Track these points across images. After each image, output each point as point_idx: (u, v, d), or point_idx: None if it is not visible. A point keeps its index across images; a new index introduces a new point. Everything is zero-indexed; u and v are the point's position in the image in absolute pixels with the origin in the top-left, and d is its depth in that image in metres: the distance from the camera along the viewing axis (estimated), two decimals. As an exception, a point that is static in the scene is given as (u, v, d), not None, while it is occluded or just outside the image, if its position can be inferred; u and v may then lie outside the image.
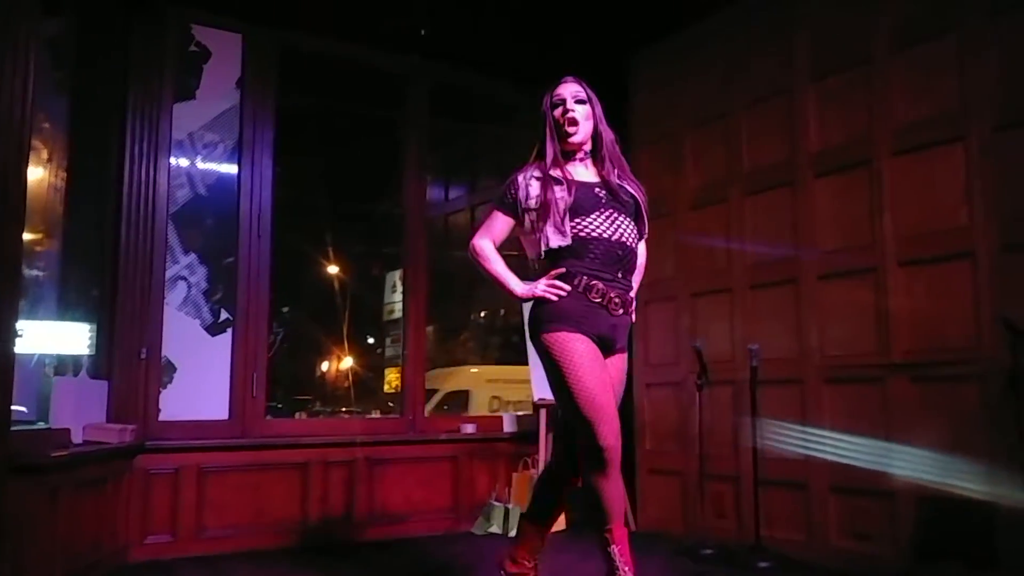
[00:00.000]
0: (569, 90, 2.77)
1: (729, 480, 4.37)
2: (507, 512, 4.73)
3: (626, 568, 2.53)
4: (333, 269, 6.60)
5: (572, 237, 2.63)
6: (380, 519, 4.59)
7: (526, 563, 2.86)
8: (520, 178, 2.75)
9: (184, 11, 4.39)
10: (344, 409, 6.16)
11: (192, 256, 4.33)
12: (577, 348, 2.58)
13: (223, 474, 4.22)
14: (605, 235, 2.64)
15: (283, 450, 4.39)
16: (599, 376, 2.57)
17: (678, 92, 4.95)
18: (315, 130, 5.99)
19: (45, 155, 3.76)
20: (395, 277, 6.68)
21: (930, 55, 3.67)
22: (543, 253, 2.68)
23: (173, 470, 4.10)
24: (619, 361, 2.76)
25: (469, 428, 4.99)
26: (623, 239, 2.68)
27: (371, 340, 7.23)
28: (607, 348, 2.68)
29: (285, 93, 4.71)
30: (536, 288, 2.66)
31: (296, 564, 3.94)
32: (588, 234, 2.64)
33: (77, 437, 3.60)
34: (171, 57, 4.35)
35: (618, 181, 2.74)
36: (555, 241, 2.64)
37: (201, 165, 4.41)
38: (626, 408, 5.01)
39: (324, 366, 6.91)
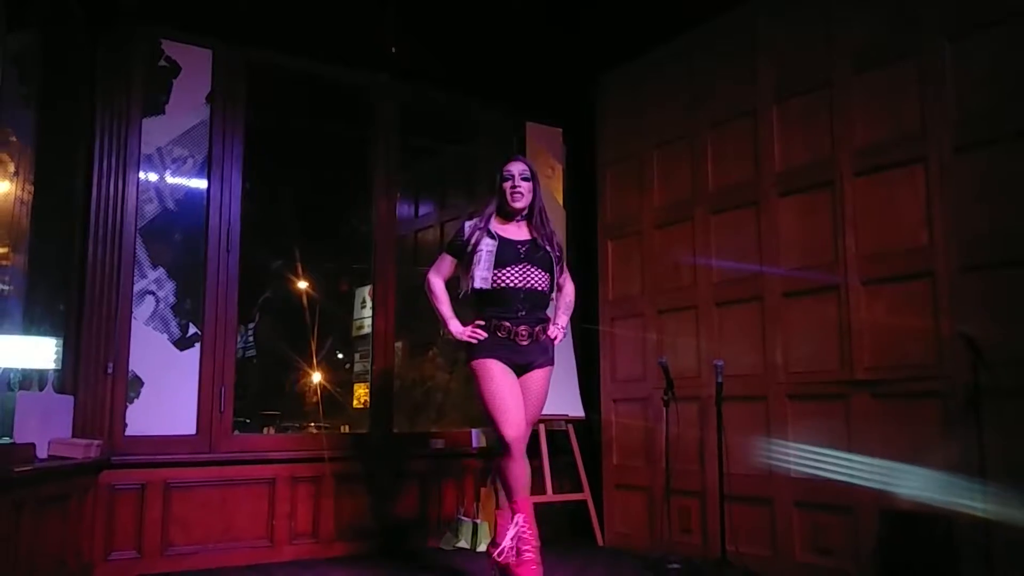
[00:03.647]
0: (517, 168, 3.54)
1: (695, 495, 4.42)
2: (475, 527, 4.74)
3: (526, 532, 3.31)
4: (302, 284, 6.56)
5: (486, 288, 3.43)
6: (348, 535, 4.58)
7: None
8: (467, 227, 3.56)
9: (153, 26, 4.38)
10: (312, 424, 6.10)
11: (160, 270, 4.30)
12: (490, 367, 3.40)
13: (190, 490, 4.18)
14: (516, 284, 3.45)
15: (250, 466, 4.36)
16: (506, 387, 3.38)
17: (644, 113, 5.03)
18: (285, 146, 5.96)
19: (12, 168, 3.72)
20: (364, 293, 6.65)
21: (890, 78, 3.77)
22: (470, 289, 3.50)
23: (139, 486, 4.06)
24: (537, 375, 3.52)
25: (437, 444, 5.00)
26: (531, 285, 3.48)
27: (340, 355, 7.18)
28: (522, 370, 3.47)
29: (255, 109, 4.70)
30: (463, 334, 3.49)
31: (263, 581, 3.92)
32: (503, 283, 3.44)
33: (42, 452, 3.55)
34: (140, 71, 4.33)
35: (541, 241, 3.54)
36: (479, 283, 3.44)
37: (170, 180, 4.39)
38: (593, 423, 5.09)
39: (293, 381, 6.86)
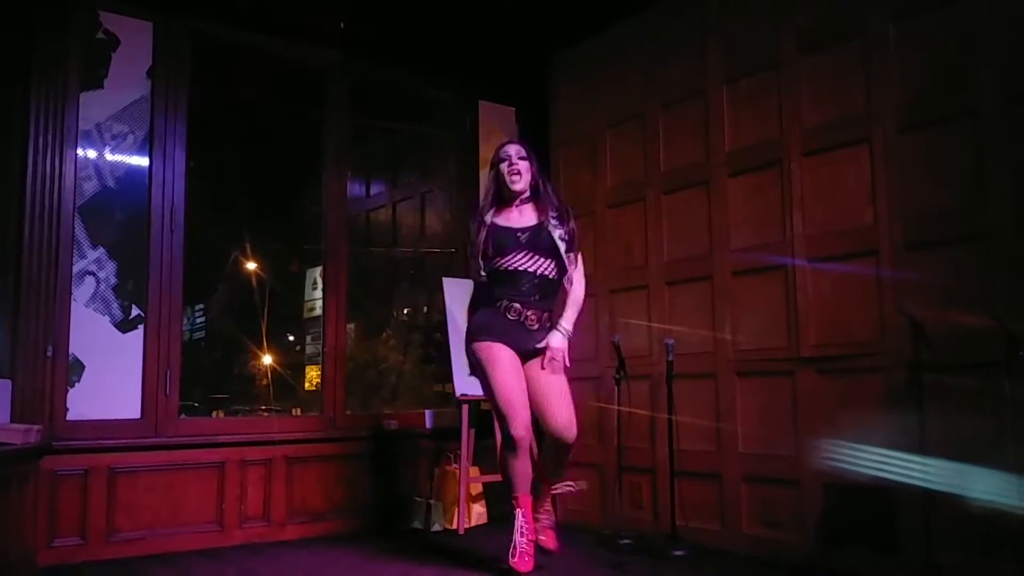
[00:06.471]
0: (513, 148, 3.53)
1: (646, 472, 4.47)
2: (429, 507, 4.74)
3: (524, 526, 3.33)
4: (251, 265, 6.46)
5: (497, 269, 3.39)
6: (300, 518, 4.54)
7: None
8: (473, 226, 3.53)
9: (91, -3, 4.23)
10: (263, 407, 6.04)
11: (100, 250, 4.19)
12: (496, 354, 3.33)
13: (135, 475, 4.10)
14: (525, 268, 3.38)
15: (198, 449, 4.29)
16: (514, 381, 3.32)
17: (597, 92, 5.03)
18: (231, 124, 5.84)
19: (-59, 145, 3.60)
20: (315, 274, 6.58)
21: (836, 59, 3.81)
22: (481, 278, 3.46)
23: (82, 471, 3.97)
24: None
25: (391, 425, 4.97)
26: (541, 271, 3.40)
27: (291, 337, 7.10)
28: (530, 355, 3.39)
29: (199, 85, 4.58)
30: None
31: (212, 566, 3.86)
32: (509, 267, 3.37)
33: (-23, 439, 3.46)
34: (77, 44, 4.17)
35: (549, 224, 3.42)
36: (480, 270, 3.44)
37: (110, 157, 4.26)
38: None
39: (243, 364, 6.78)
